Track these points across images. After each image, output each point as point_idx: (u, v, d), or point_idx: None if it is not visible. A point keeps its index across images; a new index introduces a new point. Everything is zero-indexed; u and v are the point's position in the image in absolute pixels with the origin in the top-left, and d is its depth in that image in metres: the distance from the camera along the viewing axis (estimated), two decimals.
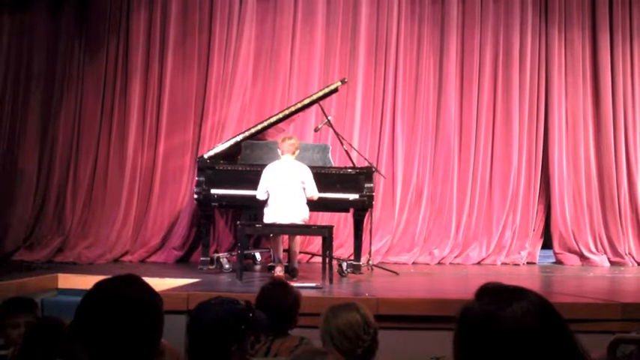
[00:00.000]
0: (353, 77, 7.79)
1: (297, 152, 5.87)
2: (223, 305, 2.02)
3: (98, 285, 1.62)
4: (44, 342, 2.39)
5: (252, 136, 6.52)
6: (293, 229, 5.75)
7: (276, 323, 2.81)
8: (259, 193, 5.76)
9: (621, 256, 7.92)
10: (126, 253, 7.23)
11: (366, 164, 6.56)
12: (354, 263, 6.18)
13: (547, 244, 8.25)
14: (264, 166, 5.87)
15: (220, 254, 6.35)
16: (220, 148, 6.50)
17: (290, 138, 5.95)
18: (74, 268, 6.48)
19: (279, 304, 2.92)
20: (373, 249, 6.83)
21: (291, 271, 5.76)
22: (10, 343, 2.99)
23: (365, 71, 7.94)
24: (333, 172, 6.33)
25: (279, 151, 5.88)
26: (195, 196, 6.16)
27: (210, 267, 6.12)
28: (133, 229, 7.34)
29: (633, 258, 7.97)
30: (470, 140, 8.07)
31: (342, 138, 6.55)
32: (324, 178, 6.09)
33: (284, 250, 5.92)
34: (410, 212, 7.90)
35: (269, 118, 6.65)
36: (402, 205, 7.87)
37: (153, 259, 7.22)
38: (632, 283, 6.50)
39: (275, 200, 5.67)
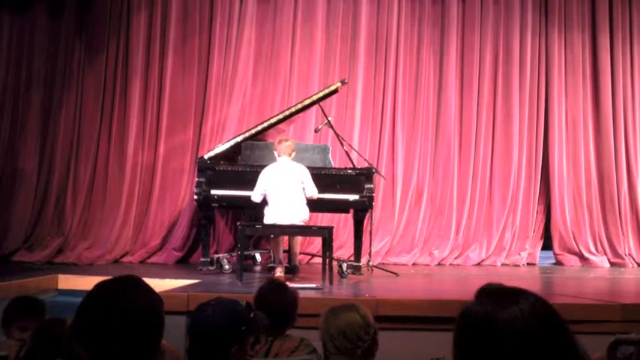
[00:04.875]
0: (353, 78, 7.80)
1: (293, 154, 5.87)
2: (223, 306, 2.02)
3: (98, 286, 1.62)
4: (50, 343, 2.40)
5: (252, 137, 6.51)
6: (293, 230, 5.74)
7: (274, 323, 2.80)
8: (255, 195, 5.76)
9: (621, 257, 7.92)
10: (126, 254, 7.23)
11: (366, 165, 6.55)
12: (354, 264, 6.18)
13: (547, 245, 8.25)
14: (264, 166, 5.87)
15: (220, 255, 6.35)
16: (220, 148, 6.50)
17: (286, 140, 5.96)
18: (74, 268, 6.49)
19: (276, 305, 2.91)
20: (373, 250, 6.83)
21: (292, 268, 5.76)
22: (10, 342, 2.98)
23: (365, 72, 7.94)
24: (333, 172, 6.32)
25: (276, 153, 5.88)
26: (196, 196, 6.16)
27: (210, 268, 6.12)
28: (133, 229, 7.34)
29: (633, 259, 7.96)
30: (470, 141, 8.07)
31: (342, 139, 6.55)
32: (324, 178, 6.09)
33: (284, 251, 5.92)
34: (410, 213, 7.90)
35: (269, 119, 6.65)
36: (402, 205, 7.87)
37: (153, 259, 7.22)
38: (632, 284, 6.50)
39: (275, 201, 5.67)
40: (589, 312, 4.21)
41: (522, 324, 1.23)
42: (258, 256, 7.22)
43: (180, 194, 7.47)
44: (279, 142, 5.91)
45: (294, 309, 3.00)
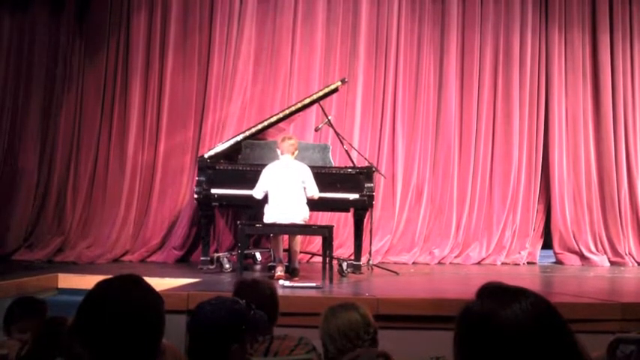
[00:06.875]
0: (353, 76, 7.79)
1: (296, 152, 5.86)
2: (223, 305, 2.02)
3: (99, 285, 1.62)
4: (50, 342, 2.40)
5: (252, 136, 6.52)
6: (293, 229, 5.74)
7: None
8: (256, 192, 5.76)
9: (621, 256, 7.92)
10: (126, 253, 7.23)
11: (367, 164, 6.55)
12: (354, 263, 6.18)
13: (547, 244, 8.25)
14: (264, 165, 5.87)
15: (220, 254, 6.35)
16: (221, 147, 6.50)
17: (290, 138, 5.94)
18: (74, 267, 6.50)
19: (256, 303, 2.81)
20: (373, 249, 6.83)
21: (292, 271, 5.76)
22: (11, 341, 2.98)
23: (365, 70, 7.94)
24: (334, 171, 6.33)
25: (279, 151, 5.87)
26: (196, 195, 6.16)
27: (211, 267, 6.12)
28: (133, 228, 7.34)
29: (633, 258, 7.96)
30: (470, 140, 8.07)
31: (343, 138, 6.55)
32: (325, 177, 6.09)
33: (284, 250, 5.92)
34: (410, 212, 7.90)
35: (269, 118, 6.65)
36: (402, 204, 7.87)
37: (153, 258, 7.22)
38: (632, 283, 6.50)
39: (275, 200, 5.67)
40: (589, 311, 4.22)
41: (523, 323, 1.23)
42: (258, 255, 7.22)
43: (180, 193, 7.47)
44: (283, 140, 5.90)
45: (274, 305, 2.90)
